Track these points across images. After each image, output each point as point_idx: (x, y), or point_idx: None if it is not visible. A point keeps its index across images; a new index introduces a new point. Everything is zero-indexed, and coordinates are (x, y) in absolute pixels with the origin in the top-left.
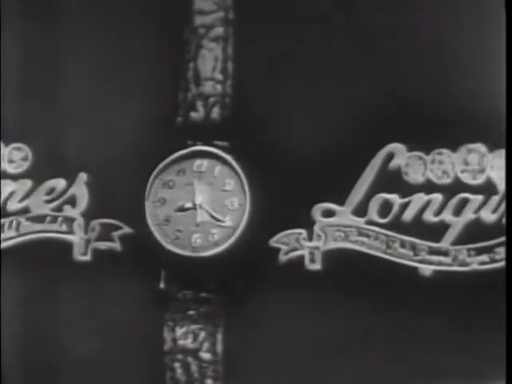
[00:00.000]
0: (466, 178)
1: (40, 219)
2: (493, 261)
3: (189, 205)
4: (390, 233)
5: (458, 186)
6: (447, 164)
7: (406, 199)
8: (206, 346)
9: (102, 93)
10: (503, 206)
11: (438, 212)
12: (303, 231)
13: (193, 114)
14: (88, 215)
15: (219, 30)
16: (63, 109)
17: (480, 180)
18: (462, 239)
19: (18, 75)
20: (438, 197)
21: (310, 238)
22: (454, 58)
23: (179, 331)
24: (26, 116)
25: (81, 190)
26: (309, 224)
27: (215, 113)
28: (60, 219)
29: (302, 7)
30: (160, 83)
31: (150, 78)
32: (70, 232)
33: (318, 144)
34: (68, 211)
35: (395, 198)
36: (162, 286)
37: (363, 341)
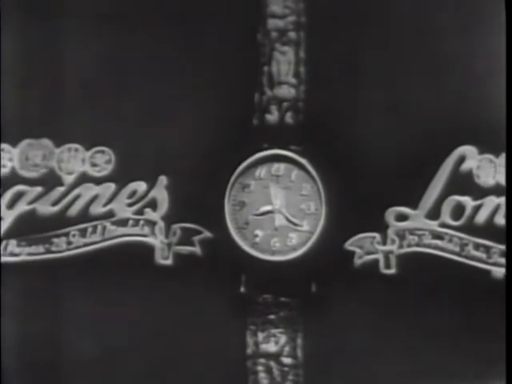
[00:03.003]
0: None
1: (123, 223)
2: None
3: (267, 208)
4: (464, 235)
5: None
6: None
7: (479, 202)
8: (286, 350)
9: (180, 96)
10: None
11: None
12: (377, 235)
13: (268, 118)
14: (169, 219)
15: (291, 34)
16: (143, 112)
17: None
18: None
19: (95, 78)
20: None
21: (384, 242)
22: None
23: (261, 335)
24: (107, 119)
25: (161, 193)
26: (382, 228)
27: (289, 117)
28: (141, 222)
29: (375, 11)
30: (235, 86)
31: (226, 80)
32: (152, 236)
33: (391, 148)
34: (149, 215)
35: (468, 201)
36: (242, 290)
37: (438, 343)
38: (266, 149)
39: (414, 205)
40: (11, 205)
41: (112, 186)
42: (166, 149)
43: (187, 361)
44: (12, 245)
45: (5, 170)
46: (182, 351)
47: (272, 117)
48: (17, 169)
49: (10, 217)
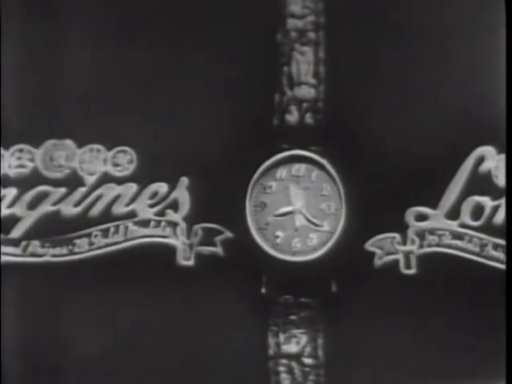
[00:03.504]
0: None
1: (145, 224)
2: None
3: (288, 209)
4: (483, 235)
5: None
6: None
7: (497, 202)
8: (307, 350)
9: (201, 97)
10: None
11: None
12: (397, 235)
13: (288, 118)
14: (190, 220)
15: (311, 34)
16: (164, 113)
17: None
18: None
19: (115, 79)
20: None
21: (404, 242)
22: None
23: (282, 336)
24: (128, 120)
25: (183, 194)
26: (402, 228)
27: (309, 117)
28: (163, 224)
29: (394, 11)
30: (255, 86)
31: (246, 80)
32: (174, 237)
33: (411, 148)
34: (171, 216)
35: (487, 201)
36: (263, 290)
37: (459, 343)
38: (286, 149)
39: (433, 205)
40: (33, 206)
41: (134, 187)
42: (188, 149)
43: (209, 362)
44: (34, 246)
45: (25, 171)
46: (203, 352)
47: (292, 117)
48: (40, 169)
49: (31, 218)
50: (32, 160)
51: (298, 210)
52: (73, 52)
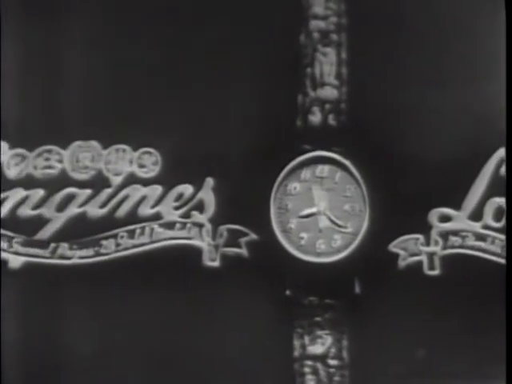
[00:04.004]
0: None
1: (170, 226)
2: None
3: (311, 211)
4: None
5: None
6: None
7: None
8: (332, 351)
9: (225, 98)
10: None
11: None
12: (420, 236)
13: (311, 119)
14: (215, 221)
15: (333, 36)
16: (188, 114)
17: None
18: None
19: (141, 79)
20: None
21: (428, 243)
22: None
23: (307, 338)
24: (154, 120)
25: (208, 195)
26: (426, 229)
27: (332, 119)
28: (189, 226)
29: (416, 12)
30: (278, 87)
31: (269, 81)
32: (199, 238)
33: (434, 148)
34: (196, 217)
35: None
36: (288, 292)
37: (483, 343)
38: (310, 150)
39: (456, 206)
40: (61, 207)
41: (159, 189)
42: (212, 150)
43: (234, 363)
44: (63, 248)
45: (53, 172)
46: (228, 353)
47: (315, 118)
48: (68, 171)
49: (59, 220)
50: (60, 161)
51: (322, 212)
52: (97, 52)
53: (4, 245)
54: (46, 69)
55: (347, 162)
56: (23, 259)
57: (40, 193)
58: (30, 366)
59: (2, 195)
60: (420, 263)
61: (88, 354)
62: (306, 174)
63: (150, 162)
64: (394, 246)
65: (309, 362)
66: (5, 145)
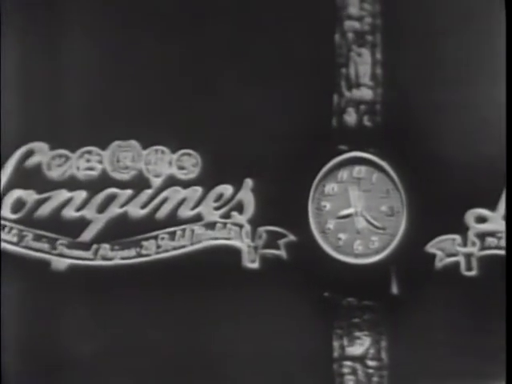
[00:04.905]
0: None
1: (211, 226)
2: None
3: (348, 211)
4: None
5: None
6: None
7: None
8: (371, 352)
9: (263, 99)
10: None
11: None
12: (457, 237)
13: (346, 119)
14: (255, 222)
15: (368, 36)
16: (227, 115)
17: None
18: None
19: (184, 83)
20: None
21: (465, 244)
22: None
23: (346, 339)
24: (192, 122)
25: (247, 196)
26: (463, 229)
27: (367, 119)
28: (229, 226)
29: (451, 11)
30: (314, 87)
31: (304, 81)
32: (239, 239)
33: (470, 148)
34: (236, 218)
35: None
36: (327, 293)
37: None
38: (345, 151)
39: (492, 207)
40: (102, 208)
41: (199, 190)
42: (250, 151)
43: (274, 364)
44: (105, 249)
45: (94, 173)
46: (268, 354)
47: (350, 118)
48: (108, 171)
49: (101, 221)
50: (100, 162)
51: (359, 213)
52: (137, 52)
53: (45, 246)
54: (84, 69)
55: (384, 163)
56: (68, 261)
57: (83, 194)
58: (77, 364)
59: (44, 196)
60: (457, 264)
61: (132, 352)
62: (343, 174)
63: (189, 163)
64: (431, 247)
65: (348, 363)
66: (44, 145)
